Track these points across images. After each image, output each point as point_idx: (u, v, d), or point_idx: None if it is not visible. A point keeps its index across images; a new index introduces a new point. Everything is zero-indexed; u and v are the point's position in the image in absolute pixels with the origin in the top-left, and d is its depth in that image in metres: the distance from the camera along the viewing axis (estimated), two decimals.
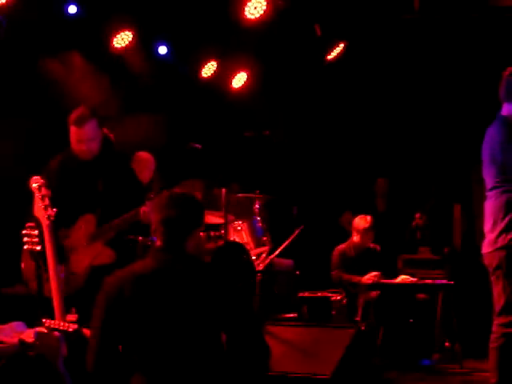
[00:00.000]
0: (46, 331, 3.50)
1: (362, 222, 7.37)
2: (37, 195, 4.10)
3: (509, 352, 4.54)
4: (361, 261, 7.33)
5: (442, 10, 8.16)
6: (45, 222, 3.98)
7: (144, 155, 6.70)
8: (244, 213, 7.36)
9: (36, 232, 3.94)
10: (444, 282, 7.09)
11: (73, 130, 4.80)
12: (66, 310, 3.78)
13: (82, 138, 4.79)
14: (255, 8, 7.32)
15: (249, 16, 7.35)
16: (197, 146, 7.12)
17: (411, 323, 7.03)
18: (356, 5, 8.11)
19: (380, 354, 6.65)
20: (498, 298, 4.59)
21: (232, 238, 7.03)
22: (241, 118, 8.35)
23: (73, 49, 6.95)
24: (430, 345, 7.07)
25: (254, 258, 6.91)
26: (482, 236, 4.75)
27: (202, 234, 3.35)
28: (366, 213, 7.50)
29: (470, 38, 8.23)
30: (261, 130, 7.58)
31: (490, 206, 4.65)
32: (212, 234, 6.81)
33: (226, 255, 6.54)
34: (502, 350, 4.55)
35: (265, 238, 7.31)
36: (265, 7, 7.31)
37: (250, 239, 7.20)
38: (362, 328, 5.80)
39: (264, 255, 7.15)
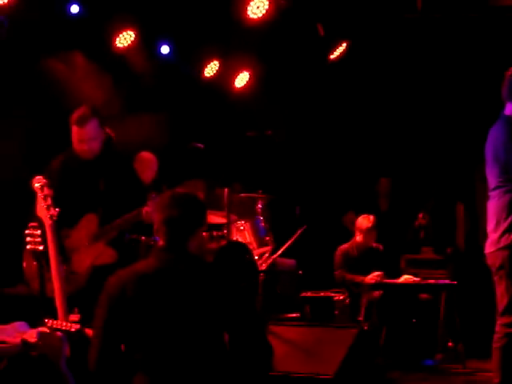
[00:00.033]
0: (48, 331, 3.50)
1: (364, 221, 7.36)
2: (39, 195, 4.10)
3: None
4: (364, 261, 7.32)
5: (444, 9, 8.16)
6: (47, 222, 3.98)
7: (146, 155, 6.69)
8: (246, 213, 7.35)
9: (39, 232, 3.93)
10: (447, 281, 7.08)
11: (74, 129, 4.81)
12: (69, 310, 3.78)
13: (84, 137, 4.80)
14: (257, 7, 7.32)
15: (251, 16, 7.35)
16: (199, 145, 7.11)
17: (414, 323, 7.02)
18: (359, 4, 8.10)
19: (383, 353, 6.64)
20: (501, 298, 4.58)
21: (235, 238, 7.03)
22: (243, 117, 8.34)
23: (75, 48, 6.95)
24: (433, 345, 7.06)
25: (256, 257, 6.91)
26: (485, 236, 4.74)
27: (204, 233, 3.35)
28: (368, 212, 7.49)
29: (472, 37, 8.22)
30: (263, 129, 7.57)
31: (493, 206, 4.64)
32: (214, 233, 6.81)
33: (228, 255, 6.53)
34: (505, 349, 4.54)
35: (267, 238, 7.31)
36: (267, 7, 7.31)
37: (252, 239, 7.19)
38: (365, 328, 5.79)
39: (267, 255, 7.14)
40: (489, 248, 4.65)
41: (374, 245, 7.44)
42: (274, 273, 7.22)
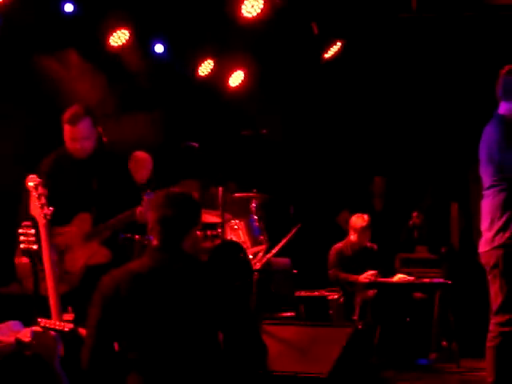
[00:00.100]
0: (42, 330, 3.49)
1: (359, 220, 7.36)
2: (33, 194, 4.08)
3: (506, 351, 4.54)
4: (358, 260, 7.33)
5: (439, 8, 8.17)
6: (41, 221, 3.96)
7: (141, 155, 6.68)
8: (241, 212, 7.35)
9: (32, 231, 3.92)
10: (441, 281, 7.10)
11: (67, 128, 4.79)
12: (63, 310, 3.77)
13: (76, 136, 4.77)
14: (252, 6, 7.32)
15: (246, 14, 7.35)
16: (194, 144, 7.10)
17: (408, 322, 7.04)
18: (353, 3, 8.11)
19: (377, 353, 6.65)
20: (495, 297, 4.58)
21: (229, 237, 7.02)
22: (238, 116, 8.34)
23: (69, 47, 6.93)
24: (427, 344, 7.07)
25: (250, 256, 6.90)
26: (479, 235, 4.75)
27: (198, 232, 3.35)
28: (363, 211, 7.50)
29: (466, 36, 8.24)
30: (258, 128, 7.57)
31: (488, 205, 4.65)
32: (209, 232, 6.81)
33: (222, 254, 6.53)
34: (499, 349, 4.55)
35: (262, 237, 7.30)
36: (262, 6, 7.30)
37: (246, 238, 7.19)
38: (359, 327, 5.79)
39: (261, 254, 7.14)
40: (483, 247, 4.65)
41: (369, 244, 7.44)
42: (269, 272, 7.21)
